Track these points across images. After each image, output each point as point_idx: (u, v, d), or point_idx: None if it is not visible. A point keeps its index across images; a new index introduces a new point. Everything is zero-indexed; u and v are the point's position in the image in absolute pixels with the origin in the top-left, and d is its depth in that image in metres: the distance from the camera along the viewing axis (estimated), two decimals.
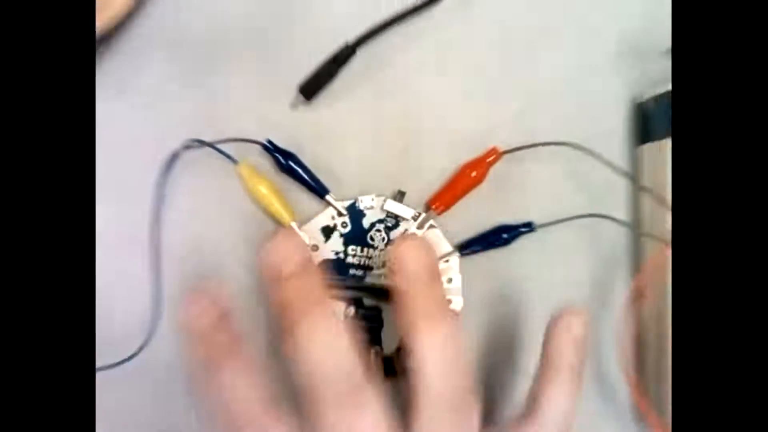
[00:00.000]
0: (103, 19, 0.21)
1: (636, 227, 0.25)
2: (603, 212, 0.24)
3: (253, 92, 0.23)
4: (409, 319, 0.18)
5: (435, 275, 0.19)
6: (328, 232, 0.23)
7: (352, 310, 0.23)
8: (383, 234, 0.23)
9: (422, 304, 0.19)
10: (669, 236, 0.22)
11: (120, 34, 0.23)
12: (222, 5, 0.23)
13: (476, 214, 0.24)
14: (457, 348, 0.19)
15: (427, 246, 0.19)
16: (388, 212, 0.23)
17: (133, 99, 0.23)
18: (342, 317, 0.22)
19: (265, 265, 0.19)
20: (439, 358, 0.18)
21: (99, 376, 0.20)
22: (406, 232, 0.23)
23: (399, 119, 0.24)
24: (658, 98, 0.23)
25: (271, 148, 0.22)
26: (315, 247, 0.22)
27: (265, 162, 0.23)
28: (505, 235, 0.24)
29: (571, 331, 0.21)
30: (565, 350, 0.21)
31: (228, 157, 0.22)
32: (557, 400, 0.20)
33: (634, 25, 0.25)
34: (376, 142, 0.24)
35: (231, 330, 0.19)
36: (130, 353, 0.21)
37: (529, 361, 0.23)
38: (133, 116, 0.23)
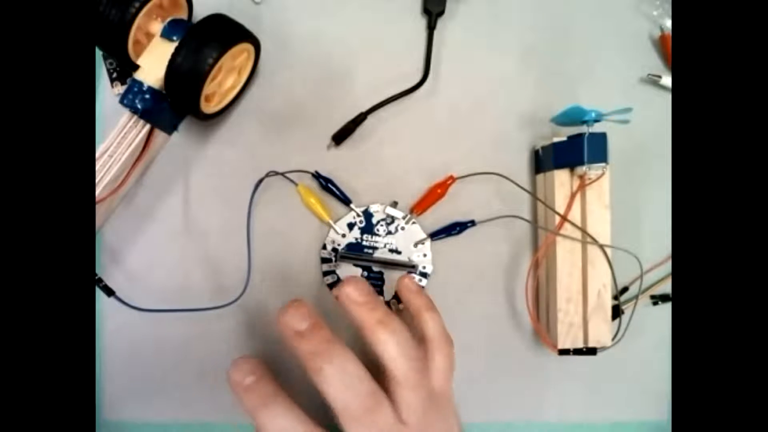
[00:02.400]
0: (219, 105, 0.32)
1: (534, 223, 0.34)
2: (515, 214, 0.33)
3: (306, 141, 0.34)
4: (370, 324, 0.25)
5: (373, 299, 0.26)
6: (351, 226, 0.34)
7: (365, 273, 0.34)
8: (384, 227, 0.34)
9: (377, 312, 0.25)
10: (556, 229, 0.31)
11: (230, 109, 0.34)
12: (289, 91, 0.34)
13: (441, 215, 0.34)
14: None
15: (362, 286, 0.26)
16: (387, 214, 0.34)
17: (238, 146, 0.34)
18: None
19: (282, 323, 0.24)
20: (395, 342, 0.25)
21: (215, 312, 0.31)
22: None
23: (393, 157, 0.34)
24: (545, 147, 0.32)
25: (317, 175, 0.34)
26: (343, 235, 0.34)
27: (313, 184, 0.34)
28: (458, 228, 0.33)
29: (407, 286, 0.29)
30: (412, 298, 0.29)
31: (291, 181, 0.33)
32: (429, 324, 0.27)
33: (529, 107, 0.34)
34: (379, 171, 0.34)
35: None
36: (234, 298, 0.32)
37: (474, 300, 0.34)
38: (238, 157, 0.34)
